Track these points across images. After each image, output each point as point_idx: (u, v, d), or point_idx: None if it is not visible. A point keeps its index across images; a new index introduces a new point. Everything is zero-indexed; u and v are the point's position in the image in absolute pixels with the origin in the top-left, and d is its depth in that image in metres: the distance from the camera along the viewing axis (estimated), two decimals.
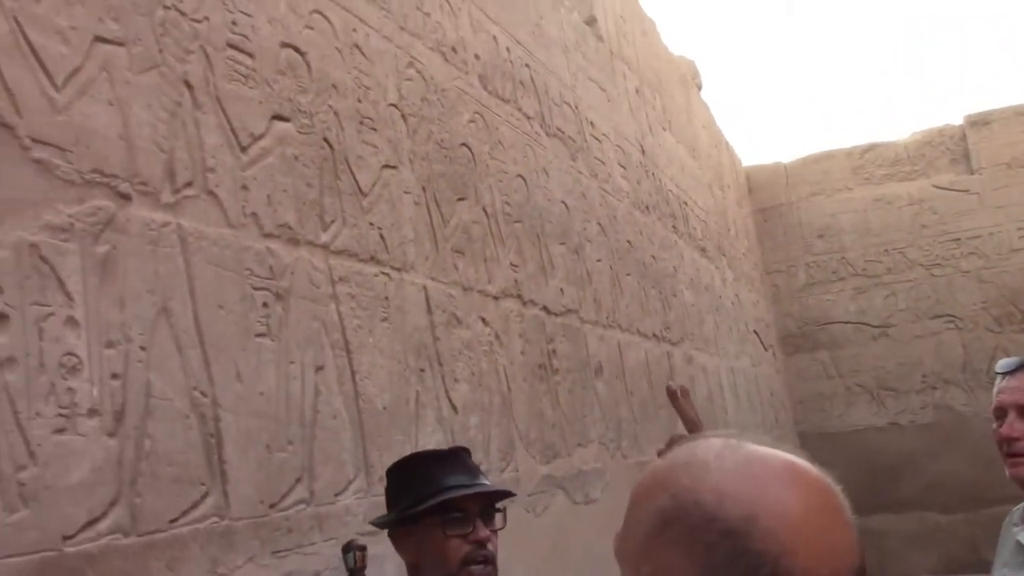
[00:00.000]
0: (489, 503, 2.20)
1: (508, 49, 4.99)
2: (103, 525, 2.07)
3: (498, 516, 2.21)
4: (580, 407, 5.05)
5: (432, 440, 3.51)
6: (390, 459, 3.12)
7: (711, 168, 10.47)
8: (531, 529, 4.15)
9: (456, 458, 2.28)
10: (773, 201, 12.88)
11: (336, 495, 2.88)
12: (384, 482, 2.39)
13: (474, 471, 2.26)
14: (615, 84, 7.09)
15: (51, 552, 1.94)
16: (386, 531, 2.29)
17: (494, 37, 4.84)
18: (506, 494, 2.29)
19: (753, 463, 0.90)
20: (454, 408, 3.71)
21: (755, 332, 11.01)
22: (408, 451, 3.28)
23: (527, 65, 5.24)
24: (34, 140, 2.07)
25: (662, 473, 0.93)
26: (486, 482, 2.25)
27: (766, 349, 11.51)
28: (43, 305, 2.02)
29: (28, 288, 2.00)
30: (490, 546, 2.14)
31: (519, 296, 4.53)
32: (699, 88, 10.90)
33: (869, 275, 12.27)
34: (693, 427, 2.00)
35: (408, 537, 2.19)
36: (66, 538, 1.98)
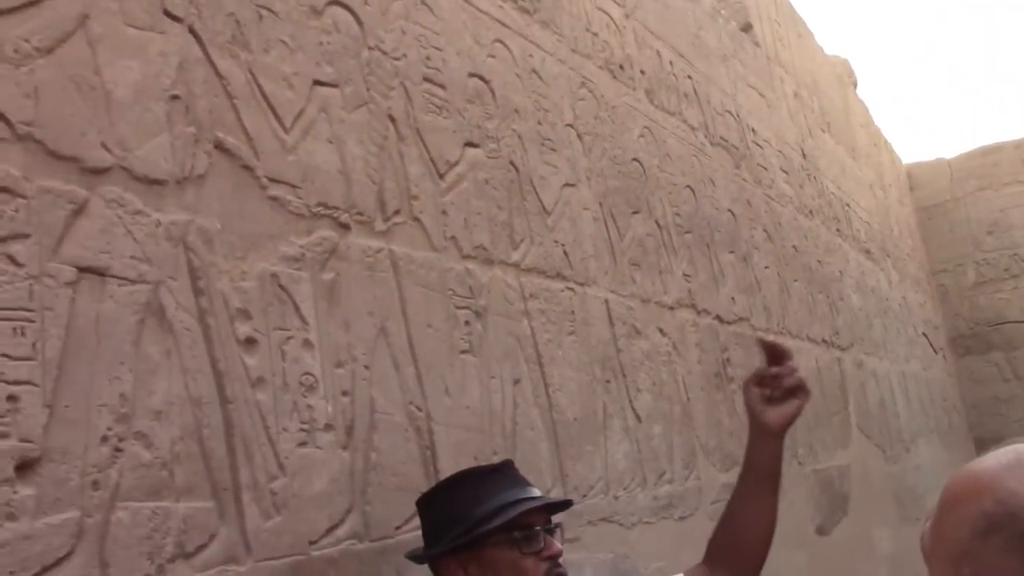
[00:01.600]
0: (549, 518, 2.03)
1: (671, 62, 5.06)
2: (341, 531, 2.24)
3: (557, 532, 2.02)
4: None
5: (620, 450, 3.60)
6: (583, 469, 3.24)
7: (871, 168, 10.22)
8: None
9: (507, 471, 2.10)
10: (937, 199, 12.45)
11: None
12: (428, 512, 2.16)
13: (524, 483, 2.08)
14: (773, 89, 7.04)
15: (301, 556, 2.12)
16: (427, 564, 2.07)
17: (657, 52, 4.91)
18: (567, 503, 2.20)
19: None
20: (638, 418, 3.79)
21: (924, 335, 10.66)
22: (598, 462, 3.39)
23: (689, 76, 5.29)
24: (270, 179, 2.27)
25: (986, 477, 0.95)
26: (541, 494, 2.09)
27: (936, 352, 11.12)
28: (284, 329, 2.22)
29: (271, 314, 2.19)
30: (561, 561, 1.97)
31: (693, 306, 4.57)
32: (855, 87, 10.66)
33: None
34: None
35: (470, 564, 1.96)
36: (312, 543, 2.16)
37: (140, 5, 2.03)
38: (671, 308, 4.33)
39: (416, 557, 2.10)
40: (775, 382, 2.08)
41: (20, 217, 1.69)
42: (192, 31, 2.15)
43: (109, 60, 1.93)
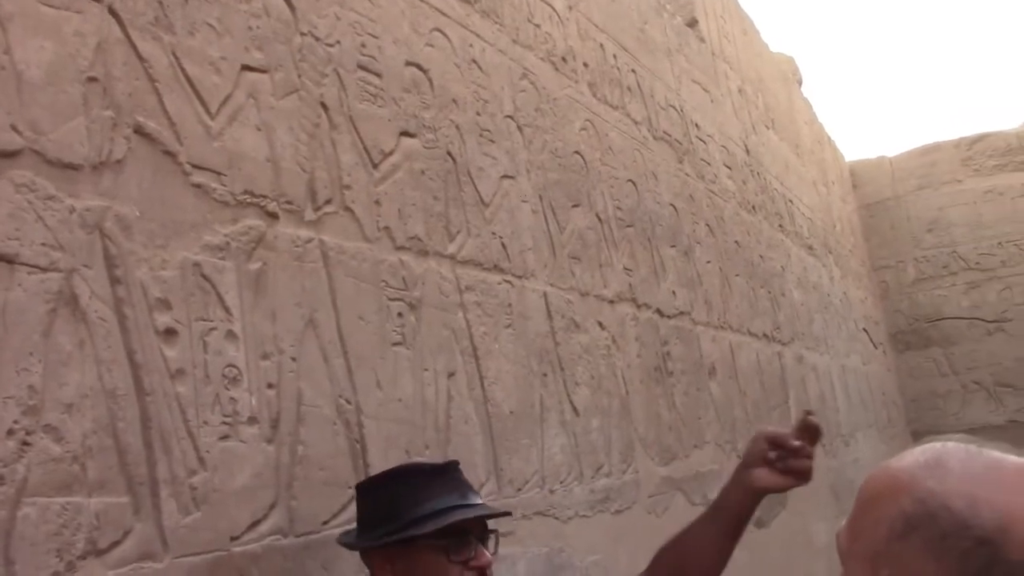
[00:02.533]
0: (486, 525, 2.01)
1: (615, 56, 5.04)
2: (264, 526, 2.19)
3: (490, 540, 1.99)
4: (695, 409, 5.06)
5: (557, 443, 3.58)
6: (518, 463, 3.22)
7: (815, 165, 10.33)
8: (653, 530, 4.18)
9: (450, 473, 2.06)
10: (878, 196, 12.63)
11: None
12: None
13: (467, 488, 2.05)
14: (718, 85, 7.07)
15: (221, 552, 2.06)
16: (367, 550, 2.04)
17: (601, 45, 4.89)
18: (505, 514, 2.17)
19: (1002, 468, 0.90)
20: (576, 411, 3.78)
21: (864, 330, 10.81)
22: (534, 455, 3.37)
23: (633, 71, 5.29)
24: (194, 166, 2.21)
25: (903, 476, 0.93)
26: (482, 501, 2.07)
27: (876, 347, 11.29)
28: (206, 320, 2.16)
29: (193, 305, 2.13)
30: (489, 572, 1.95)
31: (633, 300, 4.57)
32: (800, 84, 10.77)
33: (982, 269, 11.94)
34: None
35: (398, 560, 1.95)
36: (233, 538, 2.11)
37: None
38: (611, 302, 4.32)
39: (348, 544, 2.08)
40: (787, 453, 1.96)
41: None
42: (112, 11, 2.08)
43: (20, 39, 1.86)
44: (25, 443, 1.71)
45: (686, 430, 4.86)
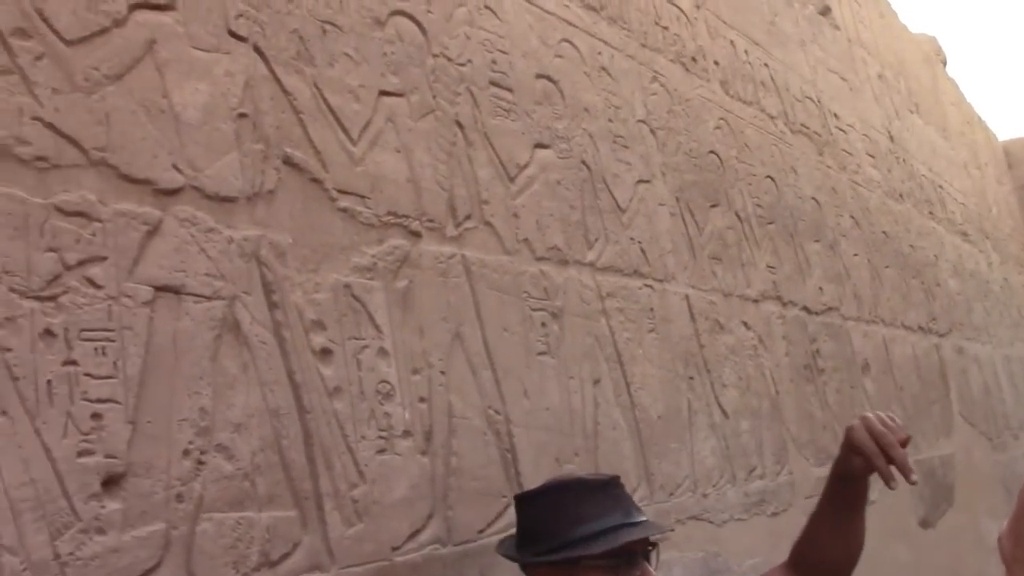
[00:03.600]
0: (648, 540, 1.98)
1: (746, 51, 4.97)
2: (423, 536, 2.26)
3: (652, 555, 1.99)
4: (849, 406, 4.92)
5: (707, 446, 3.55)
6: (668, 468, 3.21)
7: (965, 147, 9.89)
8: None
9: (613, 490, 2.04)
10: None
11: None
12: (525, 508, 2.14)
13: (630, 505, 2.04)
14: (856, 72, 6.87)
15: (384, 562, 2.14)
16: (529, 565, 2.03)
17: (731, 41, 4.83)
18: (667, 530, 2.14)
19: None
20: (725, 414, 3.74)
21: None
22: (685, 460, 3.35)
23: (766, 65, 5.20)
24: (339, 191, 2.30)
25: None
26: (646, 518, 2.03)
27: None
28: (359, 339, 2.24)
29: (345, 324, 2.22)
30: None
31: (778, 298, 4.49)
32: (944, 64, 10.33)
33: None
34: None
35: None
36: (394, 549, 2.18)
37: (205, 27, 2.07)
38: (755, 301, 4.26)
39: (509, 556, 2.09)
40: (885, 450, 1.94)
41: (97, 240, 1.75)
42: (257, 49, 2.19)
43: (177, 83, 1.98)
44: (200, 462, 1.82)
45: (841, 429, 4.72)
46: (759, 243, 4.46)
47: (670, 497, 3.24)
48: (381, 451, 2.21)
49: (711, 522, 3.44)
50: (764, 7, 5.45)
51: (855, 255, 5.67)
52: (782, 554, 2.28)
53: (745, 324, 4.10)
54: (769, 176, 4.79)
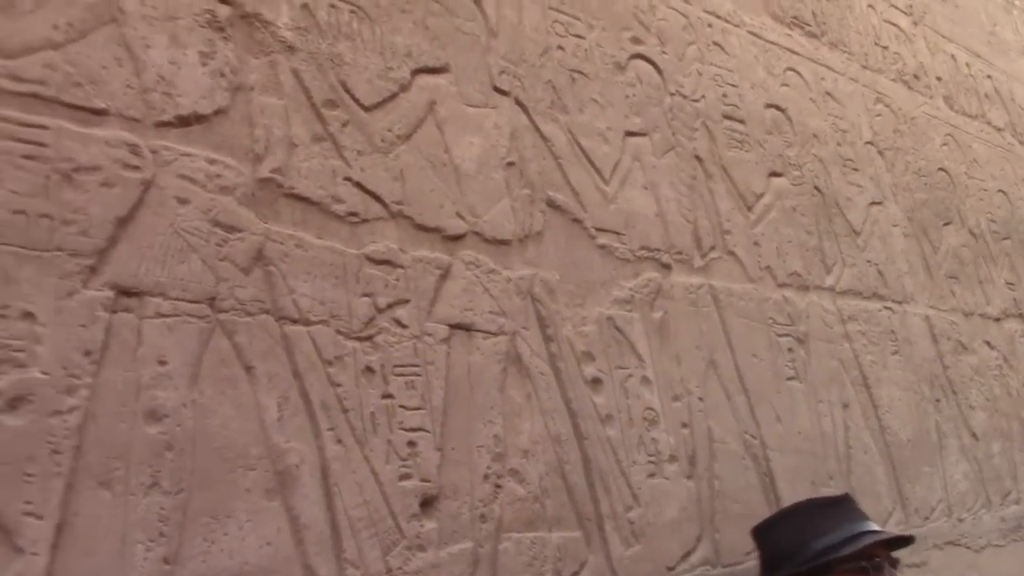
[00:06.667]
0: (889, 552, 2.04)
1: (967, 64, 4.84)
2: (695, 557, 2.34)
3: (898, 566, 2.04)
4: None
5: (958, 470, 3.46)
6: (921, 492, 3.15)
7: None
8: None
9: (847, 504, 2.11)
10: None
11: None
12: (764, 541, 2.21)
13: (864, 517, 2.10)
14: None
15: None
16: None
17: (952, 56, 4.72)
18: (910, 538, 2.13)
19: None
20: (974, 436, 3.63)
21: None
22: (937, 483, 3.28)
23: (988, 76, 5.03)
24: (597, 229, 2.44)
25: None
26: (880, 528, 2.10)
27: None
28: (623, 368, 2.36)
29: (611, 355, 2.34)
30: None
31: (1020, 315, 4.32)
32: None
33: None
34: None
35: None
36: (669, 569, 2.26)
37: (474, 86, 2.26)
38: (996, 319, 4.11)
39: None
40: None
41: (400, 285, 1.93)
42: (518, 102, 2.36)
43: (455, 138, 2.16)
44: (497, 486, 1.96)
45: None
46: (995, 259, 4.31)
47: (925, 521, 3.17)
48: (651, 475, 2.30)
49: (968, 548, 3.34)
50: (983, 17, 5.29)
51: None
52: None
53: (988, 343, 3.97)
54: (1001, 190, 4.63)
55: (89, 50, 1.57)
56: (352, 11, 2.02)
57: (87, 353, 1.44)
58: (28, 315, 1.39)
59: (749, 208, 2.99)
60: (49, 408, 1.38)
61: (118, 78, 1.60)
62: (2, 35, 1.46)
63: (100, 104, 1.56)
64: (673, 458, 2.38)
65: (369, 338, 1.84)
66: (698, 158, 2.86)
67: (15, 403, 1.35)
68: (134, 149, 1.58)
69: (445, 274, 2.03)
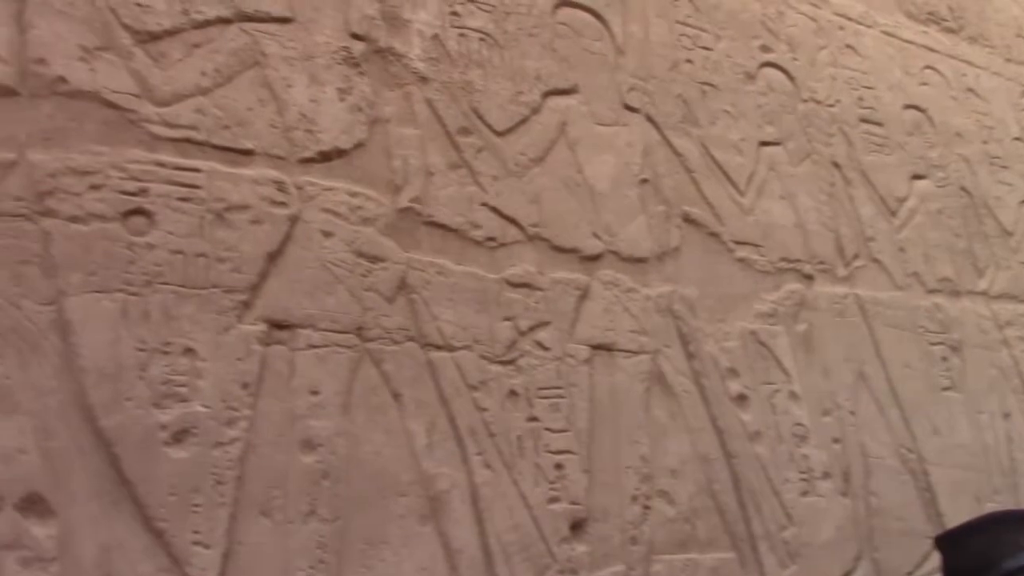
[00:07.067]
0: None
1: None
2: None
3: None
4: None
5: None
6: None
7: None
8: None
9: None
10: None
11: None
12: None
13: None
14: None
15: None
16: None
17: None
18: None
19: None
20: None
21: None
22: None
23: None
24: (735, 242, 2.39)
25: None
26: None
27: None
28: (770, 383, 2.30)
29: (756, 370, 2.28)
30: None
31: None
32: None
33: None
34: None
35: None
36: None
37: (604, 104, 2.25)
38: None
39: None
40: None
41: (541, 307, 1.93)
42: (649, 119, 2.33)
43: (587, 158, 2.16)
44: (646, 507, 1.94)
45: None
46: None
47: None
48: (804, 493, 2.23)
49: None
50: None
51: None
52: None
53: None
54: None
55: (235, 93, 1.63)
56: (481, 39, 2.04)
57: (244, 386, 1.49)
58: (189, 351, 1.44)
59: (892, 213, 2.88)
60: (212, 440, 1.43)
61: (262, 118, 1.65)
62: (155, 83, 1.53)
63: (247, 144, 1.62)
64: (826, 475, 2.30)
65: (512, 361, 1.85)
66: (836, 164, 2.78)
67: (180, 436, 1.40)
68: (280, 186, 1.63)
69: (584, 295, 2.02)
